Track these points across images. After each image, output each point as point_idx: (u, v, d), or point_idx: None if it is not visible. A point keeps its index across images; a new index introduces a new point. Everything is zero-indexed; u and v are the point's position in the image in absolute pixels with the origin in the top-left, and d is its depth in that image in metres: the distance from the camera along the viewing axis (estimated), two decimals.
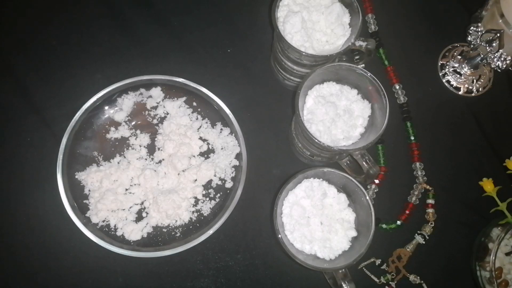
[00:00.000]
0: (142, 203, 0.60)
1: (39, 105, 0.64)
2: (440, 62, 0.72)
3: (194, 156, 0.62)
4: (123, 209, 0.59)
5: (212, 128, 0.63)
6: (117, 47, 0.68)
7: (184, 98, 0.64)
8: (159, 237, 0.59)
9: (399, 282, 0.61)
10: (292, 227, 0.51)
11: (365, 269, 0.61)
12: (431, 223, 0.63)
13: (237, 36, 0.70)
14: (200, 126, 0.63)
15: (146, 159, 0.62)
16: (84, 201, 0.59)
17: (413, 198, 0.64)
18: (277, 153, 0.65)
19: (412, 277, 0.61)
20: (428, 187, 0.64)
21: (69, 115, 0.59)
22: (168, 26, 0.70)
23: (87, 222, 0.57)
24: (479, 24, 0.62)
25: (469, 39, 0.63)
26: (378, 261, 0.61)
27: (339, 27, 0.56)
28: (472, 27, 0.63)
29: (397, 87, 0.68)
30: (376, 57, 0.69)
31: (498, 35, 0.58)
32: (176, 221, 0.59)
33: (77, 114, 0.59)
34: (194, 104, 0.64)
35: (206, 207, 0.60)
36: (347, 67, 0.53)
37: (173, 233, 0.59)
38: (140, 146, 0.62)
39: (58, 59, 0.67)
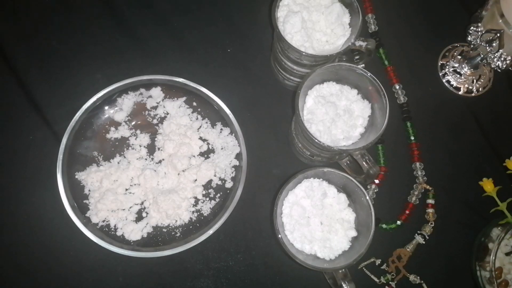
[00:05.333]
0: (142, 203, 0.60)
1: (39, 105, 0.64)
2: (440, 62, 0.72)
3: (194, 156, 0.62)
4: (123, 209, 0.59)
5: (212, 128, 0.63)
6: (117, 47, 0.68)
7: (184, 98, 0.64)
8: (159, 237, 0.59)
9: (399, 282, 0.61)
10: (292, 227, 0.51)
11: (365, 269, 0.61)
12: (431, 223, 0.63)
13: (237, 36, 0.70)
14: (200, 126, 0.63)
15: (146, 159, 0.62)
16: (84, 201, 0.59)
17: (413, 198, 0.64)
18: (277, 153, 0.65)
19: (412, 277, 0.61)
20: (428, 187, 0.64)
21: (69, 115, 0.59)
22: (168, 26, 0.70)
23: (87, 222, 0.57)
24: (479, 24, 0.62)
25: (469, 39, 0.63)
26: (378, 261, 0.61)
27: (339, 27, 0.56)
28: (472, 27, 0.63)
29: (397, 87, 0.68)
30: (376, 57, 0.69)
31: (498, 35, 0.58)
32: (176, 221, 0.59)
33: (77, 114, 0.59)
34: (194, 104, 0.64)
35: (206, 207, 0.60)
36: (347, 67, 0.53)
37: (173, 233, 0.59)
38: (140, 146, 0.62)
39: (58, 59, 0.67)
